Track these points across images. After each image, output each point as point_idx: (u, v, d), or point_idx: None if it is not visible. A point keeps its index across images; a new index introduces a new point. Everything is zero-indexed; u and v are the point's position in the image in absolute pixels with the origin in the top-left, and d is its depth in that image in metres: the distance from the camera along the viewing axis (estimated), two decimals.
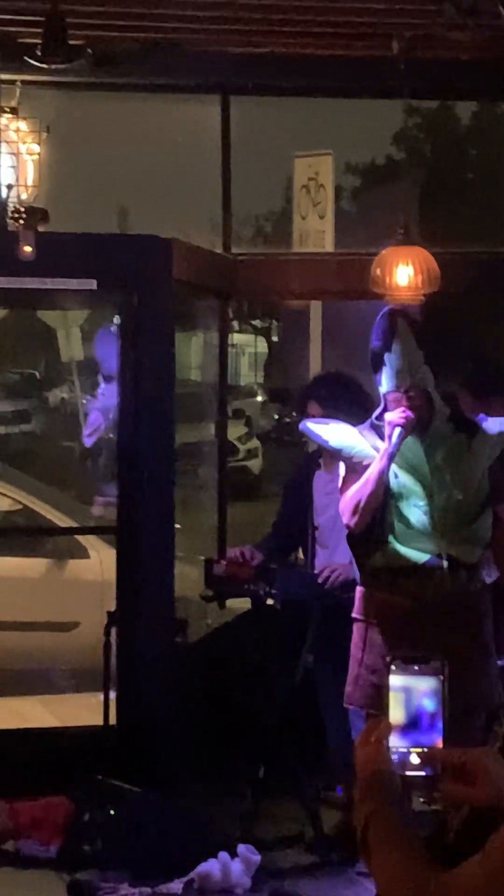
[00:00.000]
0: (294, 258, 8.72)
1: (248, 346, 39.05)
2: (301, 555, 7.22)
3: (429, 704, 2.54)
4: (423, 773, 2.51)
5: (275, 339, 35.72)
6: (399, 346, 5.70)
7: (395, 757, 2.53)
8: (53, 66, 6.75)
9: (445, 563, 5.72)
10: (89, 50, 6.86)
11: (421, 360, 5.71)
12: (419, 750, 2.52)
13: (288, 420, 25.28)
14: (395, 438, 5.67)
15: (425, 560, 5.74)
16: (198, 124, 8.92)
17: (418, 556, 5.76)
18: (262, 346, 38.34)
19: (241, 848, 6.30)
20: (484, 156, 23.03)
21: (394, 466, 5.76)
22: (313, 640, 6.69)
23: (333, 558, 6.61)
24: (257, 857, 6.30)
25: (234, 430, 20.82)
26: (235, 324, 32.62)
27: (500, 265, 8.68)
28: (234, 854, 6.27)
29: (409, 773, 2.52)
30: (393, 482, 5.78)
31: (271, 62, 7.87)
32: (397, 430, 5.67)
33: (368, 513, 5.81)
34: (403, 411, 5.68)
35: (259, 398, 29.73)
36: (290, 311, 18.57)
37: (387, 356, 5.72)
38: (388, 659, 2.59)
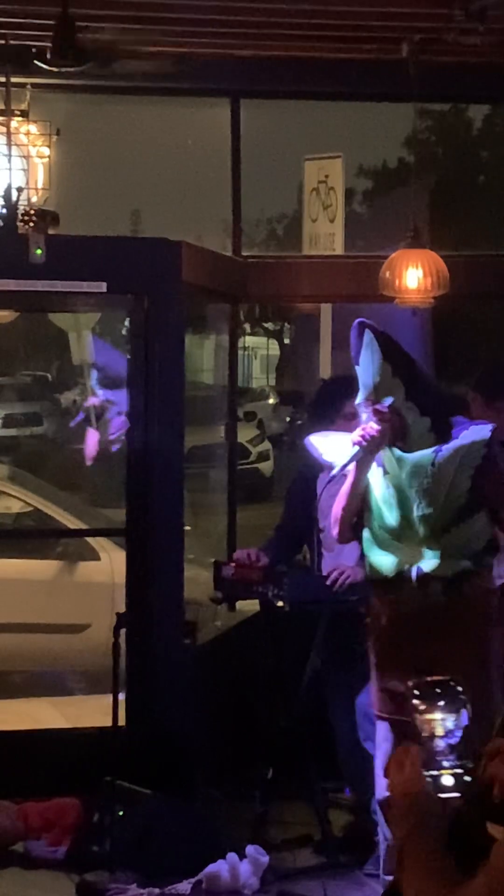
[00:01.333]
0: (304, 261, 8.74)
1: (261, 349, 39.08)
2: (307, 556, 7.24)
3: (454, 724, 2.58)
4: (457, 795, 2.56)
5: (286, 341, 35.74)
6: (365, 358, 5.68)
7: (429, 779, 2.58)
8: (63, 70, 6.77)
9: (414, 576, 5.70)
10: (99, 54, 6.88)
11: (388, 373, 5.66)
12: (451, 772, 2.57)
13: (300, 422, 25.30)
14: (349, 456, 5.69)
15: (395, 572, 5.75)
16: (208, 128, 8.95)
17: (388, 567, 5.77)
18: (273, 348, 38.36)
19: (249, 849, 6.32)
20: (496, 159, 23.03)
21: (380, 479, 5.76)
22: (321, 643, 6.71)
23: (339, 560, 6.62)
24: (265, 858, 6.32)
25: (246, 433, 20.85)
26: (247, 327, 32.65)
27: None
28: (242, 855, 6.29)
29: (445, 795, 2.57)
30: (374, 494, 5.78)
31: (281, 66, 7.90)
32: (355, 448, 5.68)
33: (345, 525, 5.88)
34: (364, 428, 5.68)
35: (271, 401, 29.73)
36: (302, 314, 18.59)
37: (356, 368, 5.72)
38: (409, 685, 2.64)
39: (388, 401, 5.64)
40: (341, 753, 6.78)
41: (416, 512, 5.67)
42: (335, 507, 5.95)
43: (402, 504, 5.72)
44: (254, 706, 6.74)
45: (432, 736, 2.59)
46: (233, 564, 6.83)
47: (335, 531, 6.00)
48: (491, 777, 2.50)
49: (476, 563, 5.70)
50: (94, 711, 7.14)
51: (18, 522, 10.34)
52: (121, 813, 6.48)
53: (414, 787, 2.60)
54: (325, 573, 6.62)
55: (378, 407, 5.65)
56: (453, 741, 2.56)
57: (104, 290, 7.06)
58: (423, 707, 2.59)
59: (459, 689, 2.61)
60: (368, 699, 6.37)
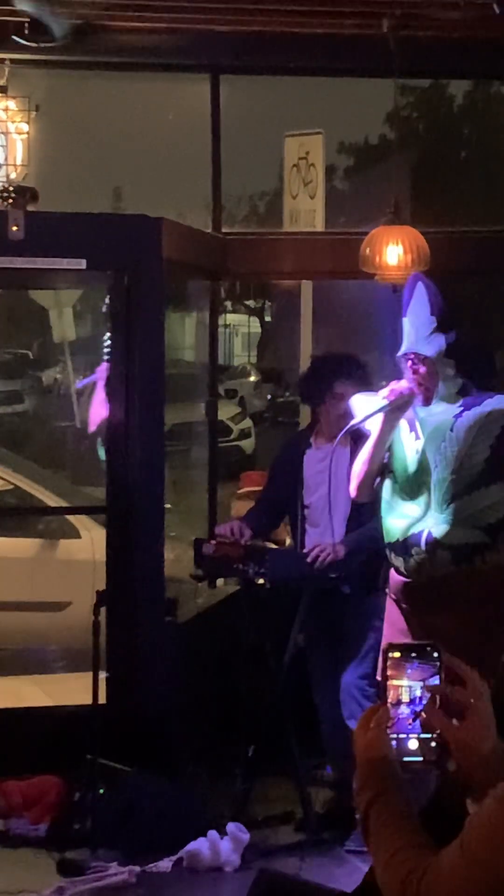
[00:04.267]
0: (284, 237, 8.70)
1: (242, 327, 39.02)
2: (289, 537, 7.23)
3: (426, 689, 2.57)
4: (420, 759, 2.54)
5: (268, 319, 35.70)
6: (413, 310, 5.73)
7: (394, 743, 2.56)
8: (42, 45, 6.73)
9: (423, 542, 5.69)
10: (78, 29, 6.83)
11: (430, 328, 5.69)
12: (418, 736, 2.55)
13: (281, 399, 25.28)
14: (373, 410, 5.71)
15: (405, 536, 5.74)
16: (188, 104, 8.90)
17: (399, 531, 5.76)
18: (255, 326, 38.31)
19: (230, 826, 6.32)
20: (478, 135, 22.98)
21: (407, 439, 5.77)
22: (303, 620, 6.71)
23: (324, 537, 6.61)
24: (246, 836, 6.32)
25: (227, 410, 20.83)
26: (228, 304, 32.59)
27: (494, 244, 8.67)
28: (223, 833, 6.29)
29: (407, 759, 2.55)
30: (397, 455, 5.79)
31: (261, 41, 7.84)
32: (381, 402, 5.70)
33: (365, 483, 5.87)
34: (396, 382, 5.72)
35: (252, 378, 29.70)
36: (283, 291, 18.56)
37: (403, 321, 5.76)
38: (384, 647, 2.62)
39: (434, 348, 5.66)
40: (324, 731, 6.78)
41: (433, 476, 5.67)
42: (356, 463, 5.92)
43: (420, 466, 5.72)
44: (236, 684, 6.73)
45: (398, 702, 2.57)
46: (213, 542, 6.81)
47: (353, 488, 5.97)
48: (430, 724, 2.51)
49: (490, 537, 5.65)
50: (75, 689, 7.13)
51: (0, 500, 10.31)
52: (102, 791, 6.47)
53: (377, 750, 2.58)
54: (306, 550, 6.61)
55: (413, 360, 5.68)
56: (419, 708, 2.55)
57: (84, 266, 7.02)
58: (390, 672, 2.58)
59: (436, 655, 2.58)
60: (352, 678, 6.38)
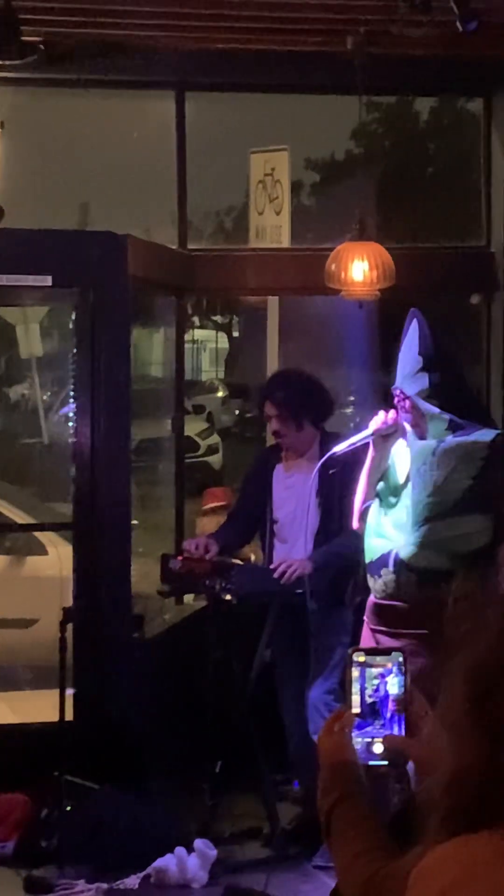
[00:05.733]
0: (250, 254, 8.73)
1: (210, 342, 39.02)
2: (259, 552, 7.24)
3: (390, 694, 2.58)
4: (385, 763, 2.55)
5: (235, 334, 35.72)
6: (405, 346, 5.75)
7: (358, 747, 2.57)
8: (7, 63, 6.74)
9: (391, 562, 5.70)
10: (42, 46, 6.84)
11: (416, 367, 5.69)
12: (382, 740, 2.56)
13: (249, 415, 25.29)
14: (357, 439, 5.79)
15: (378, 556, 5.76)
16: (154, 120, 8.92)
17: (376, 550, 5.79)
18: (223, 341, 38.32)
19: (197, 843, 6.31)
20: (443, 151, 23.04)
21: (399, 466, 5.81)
22: (270, 635, 6.71)
23: (292, 553, 6.63)
24: (213, 852, 6.31)
25: (195, 426, 20.82)
26: (196, 320, 32.58)
27: (459, 260, 8.72)
28: (190, 849, 6.28)
29: (372, 762, 2.56)
30: (384, 483, 5.83)
31: (226, 58, 7.88)
32: (366, 431, 5.77)
33: (364, 512, 5.90)
34: (380, 416, 5.77)
35: (220, 394, 29.69)
36: (250, 307, 18.58)
37: (399, 354, 5.81)
38: (349, 651, 2.64)
39: (416, 387, 5.68)
40: (291, 747, 6.78)
41: (411, 497, 5.68)
42: (357, 494, 5.96)
43: (402, 489, 5.75)
44: (203, 699, 6.73)
45: (362, 705, 2.58)
46: (180, 558, 6.81)
47: (355, 520, 6.00)
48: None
49: (459, 565, 5.54)
50: (42, 706, 7.12)
51: None
52: (69, 808, 6.46)
53: (341, 754, 2.58)
54: (273, 566, 6.62)
55: (398, 396, 5.71)
56: (385, 712, 2.56)
57: (49, 283, 7.03)
58: (354, 675, 2.59)
59: (401, 660, 2.59)
60: (319, 693, 6.39)
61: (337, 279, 7.45)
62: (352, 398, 14.46)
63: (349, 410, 14.26)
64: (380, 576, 5.73)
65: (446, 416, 5.67)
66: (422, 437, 5.73)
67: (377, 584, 5.75)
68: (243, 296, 11.81)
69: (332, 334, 11.03)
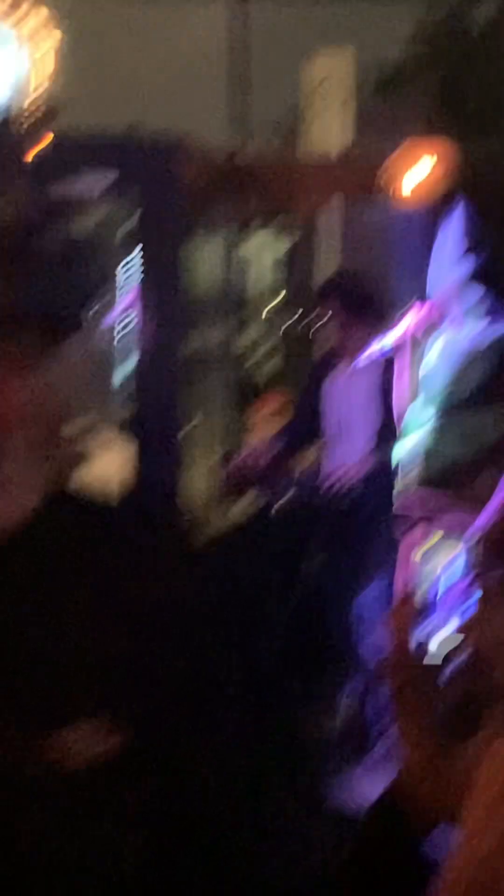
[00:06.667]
0: (309, 159, 8.65)
1: (266, 249, 38.92)
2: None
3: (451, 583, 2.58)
4: (448, 652, 2.56)
5: (295, 241, 35.57)
6: (441, 234, 5.76)
7: (419, 636, 2.58)
8: None
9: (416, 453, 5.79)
10: None
11: (463, 248, 5.72)
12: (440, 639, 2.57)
13: (306, 320, 25.19)
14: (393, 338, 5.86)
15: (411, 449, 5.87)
16: (214, 25, 8.83)
17: (399, 452, 5.89)
18: (280, 248, 38.20)
19: None
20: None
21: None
22: (322, 545, 6.69)
23: (345, 459, 6.62)
24: None
25: (251, 333, 20.76)
26: (254, 225, 32.48)
27: None
28: None
29: (432, 653, 2.58)
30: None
31: None
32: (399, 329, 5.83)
33: (405, 410, 5.98)
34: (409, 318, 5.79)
35: (278, 300, 29.59)
36: (308, 214, 18.50)
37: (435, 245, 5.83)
38: (405, 542, 2.64)
39: (459, 272, 5.67)
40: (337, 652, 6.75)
41: (435, 387, 5.75)
42: (398, 392, 6.01)
43: (434, 383, 5.81)
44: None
45: (427, 593, 2.58)
46: (239, 458, 6.84)
47: (397, 417, 6.06)
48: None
49: (480, 455, 5.67)
50: None
51: None
52: None
53: (400, 643, 2.59)
54: (329, 470, 6.61)
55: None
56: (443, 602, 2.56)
57: (105, 188, 6.98)
58: (415, 565, 2.59)
59: (459, 550, 2.58)
60: (367, 600, 6.38)
61: (399, 180, 7.34)
62: (410, 303, 14.38)
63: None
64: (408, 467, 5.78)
65: (487, 298, 5.73)
66: (455, 330, 5.76)
67: (404, 475, 5.80)
68: (303, 202, 11.72)
69: (393, 239, 10.94)
